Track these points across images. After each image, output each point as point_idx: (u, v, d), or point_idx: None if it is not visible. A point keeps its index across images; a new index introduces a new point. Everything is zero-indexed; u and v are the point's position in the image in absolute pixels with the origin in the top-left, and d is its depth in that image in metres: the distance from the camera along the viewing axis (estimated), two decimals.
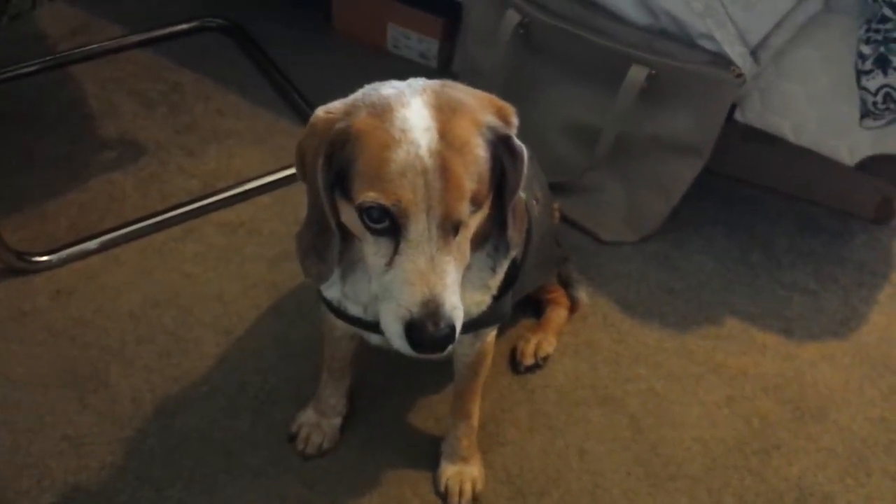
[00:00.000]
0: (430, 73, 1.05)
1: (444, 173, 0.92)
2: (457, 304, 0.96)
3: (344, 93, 1.03)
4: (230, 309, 1.66)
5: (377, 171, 0.93)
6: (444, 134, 0.94)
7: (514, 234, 1.09)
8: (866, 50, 1.45)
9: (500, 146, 0.99)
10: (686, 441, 1.53)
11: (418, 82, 1.01)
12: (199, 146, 1.98)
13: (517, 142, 1.01)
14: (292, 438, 1.46)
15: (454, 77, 2.13)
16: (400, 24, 2.21)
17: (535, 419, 1.54)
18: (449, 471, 1.42)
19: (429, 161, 0.92)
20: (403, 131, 0.93)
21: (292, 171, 1.86)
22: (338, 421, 1.47)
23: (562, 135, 1.89)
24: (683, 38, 1.66)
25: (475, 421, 1.42)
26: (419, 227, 0.93)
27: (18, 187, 1.83)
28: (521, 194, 1.12)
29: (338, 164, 0.97)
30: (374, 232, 0.96)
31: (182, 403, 1.50)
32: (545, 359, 1.60)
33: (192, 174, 1.91)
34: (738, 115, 1.74)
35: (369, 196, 0.93)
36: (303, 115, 2.04)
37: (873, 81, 1.47)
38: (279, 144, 2.00)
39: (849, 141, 1.66)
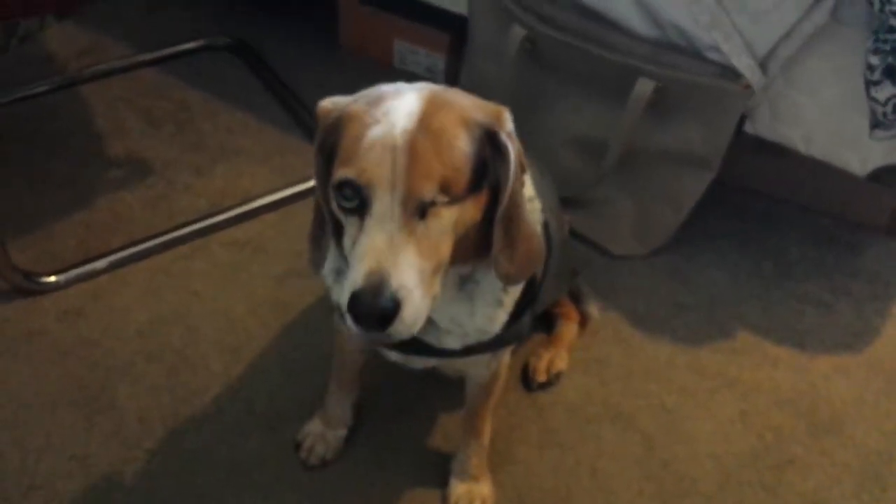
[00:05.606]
0: None
1: (411, 151, 0.91)
2: (407, 285, 0.91)
3: None
4: (237, 327, 1.65)
5: (352, 148, 0.93)
6: (423, 119, 0.93)
7: (505, 263, 1.02)
8: (874, 60, 1.44)
9: (490, 146, 0.97)
10: (699, 457, 1.51)
11: (423, 84, 1.01)
12: (207, 164, 1.98)
13: (504, 139, 0.98)
14: (298, 448, 1.46)
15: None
16: (406, 40, 2.21)
17: (546, 437, 1.53)
18: (459, 489, 1.41)
19: (399, 139, 0.91)
20: (385, 114, 0.93)
21: (299, 188, 1.90)
22: (343, 432, 1.46)
23: (569, 148, 1.88)
24: (690, 51, 1.65)
25: (486, 440, 1.41)
26: (382, 204, 0.91)
27: (26, 207, 1.84)
28: (537, 226, 1.11)
29: (328, 150, 0.98)
30: (346, 212, 0.96)
31: (190, 422, 1.50)
32: (558, 375, 1.59)
33: (200, 193, 1.91)
34: (747, 127, 1.73)
35: (340, 172, 0.93)
36: (310, 132, 2.04)
37: (882, 92, 1.46)
38: (287, 162, 2.00)
39: (860, 152, 1.65)
